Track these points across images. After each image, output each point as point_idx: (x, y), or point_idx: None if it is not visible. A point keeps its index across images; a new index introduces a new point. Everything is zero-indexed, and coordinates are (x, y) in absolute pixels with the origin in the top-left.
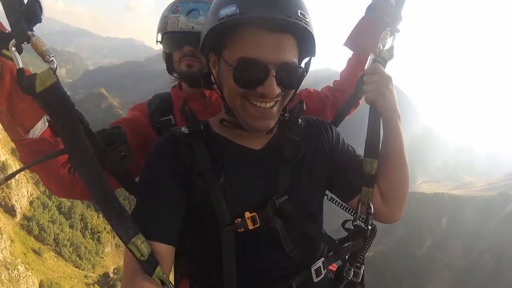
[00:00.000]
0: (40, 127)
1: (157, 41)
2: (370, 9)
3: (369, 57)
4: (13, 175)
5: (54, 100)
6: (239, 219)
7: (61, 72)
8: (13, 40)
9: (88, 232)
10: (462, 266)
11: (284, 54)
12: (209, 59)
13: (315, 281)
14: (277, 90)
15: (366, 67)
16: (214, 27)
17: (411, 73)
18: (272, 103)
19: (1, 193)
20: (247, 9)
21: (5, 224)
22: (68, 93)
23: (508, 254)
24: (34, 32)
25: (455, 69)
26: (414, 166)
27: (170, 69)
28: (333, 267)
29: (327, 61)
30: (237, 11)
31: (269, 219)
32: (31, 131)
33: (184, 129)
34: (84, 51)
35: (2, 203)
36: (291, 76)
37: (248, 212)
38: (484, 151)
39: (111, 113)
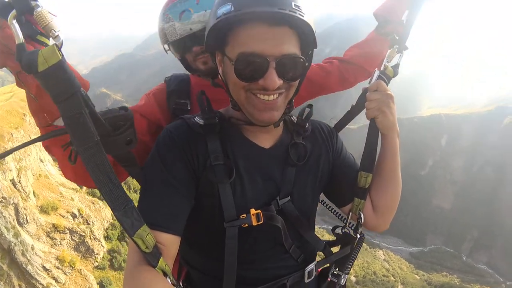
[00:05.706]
0: None
1: (166, 51)
2: (380, 25)
3: (374, 72)
4: (10, 151)
5: (57, 80)
6: (244, 215)
7: None
8: (14, 10)
9: None
10: (464, 181)
11: (282, 46)
12: (216, 57)
13: (306, 282)
14: (278, 82)
15: (370, 83)
16: (213, 26)
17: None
18: (276, 95)
19: None
20: (241, 6)
21: None
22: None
23: (509, 165)
24: (38, 3)
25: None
26: (419, 94)
27: (190, 71)
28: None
29: None
30: (232, 9)
31: (272, 217)
32: (58, 119)
33: (198, 120)
34: (73, 58)
35: None
36: (292, 67)
37: (253, 209)
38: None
39: None
